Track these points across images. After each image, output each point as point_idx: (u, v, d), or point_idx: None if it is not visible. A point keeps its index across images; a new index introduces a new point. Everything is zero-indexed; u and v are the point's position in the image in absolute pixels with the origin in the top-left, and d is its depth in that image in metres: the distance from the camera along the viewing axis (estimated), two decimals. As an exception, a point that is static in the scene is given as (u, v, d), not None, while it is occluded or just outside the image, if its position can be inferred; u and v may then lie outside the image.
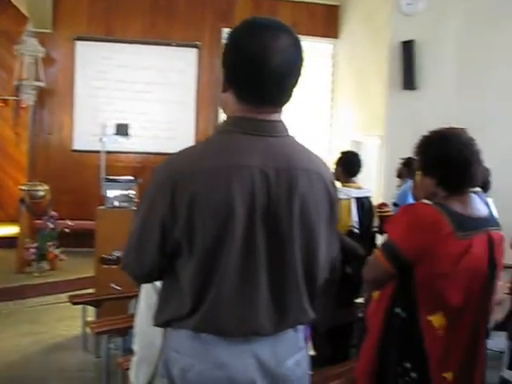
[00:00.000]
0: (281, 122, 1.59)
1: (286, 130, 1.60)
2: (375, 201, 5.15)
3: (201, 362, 1.51)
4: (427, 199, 2.25)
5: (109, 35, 9.09)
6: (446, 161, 2.19)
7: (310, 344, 3.76)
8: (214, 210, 1.44)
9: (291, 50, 1.51)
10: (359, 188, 4.19)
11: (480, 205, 2.27)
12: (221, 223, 1.45)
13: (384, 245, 2.25)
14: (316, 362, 3.75)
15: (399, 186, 5.88)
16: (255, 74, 1.48)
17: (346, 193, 4.03)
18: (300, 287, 1.58)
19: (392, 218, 2.71)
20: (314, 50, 9.55)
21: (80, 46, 9.02)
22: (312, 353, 3.89)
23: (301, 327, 1.68)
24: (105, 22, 9.09)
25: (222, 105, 1.63)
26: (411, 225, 2.15)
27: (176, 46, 9.26)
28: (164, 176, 1.49)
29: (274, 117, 1.56)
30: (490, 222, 2.27)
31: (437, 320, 2.17)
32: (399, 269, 2.17)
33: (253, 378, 1.54)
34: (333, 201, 1.64)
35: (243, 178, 1.46)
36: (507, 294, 3.64)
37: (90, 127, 8.77)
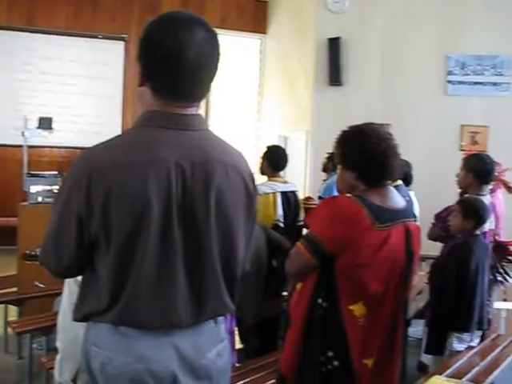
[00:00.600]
0: (198, 115, 1.60)
1: (203, 123, 1.61)
2: (302, 195, 5.25)
3: (120, 355, 1.51)
4: (348, 192, 2.32)
5: (31, 25, 8.78)
6: (364, 155, 2.26)
7: (237, 337, 3.81)
8: (129, 205, 1.44)
9: (207, 44, 1.52)
10: (285, 182, 4.25)
11: (398, 197, 2.35)
12: (136, 217, 1.45)
13: (305, 237, 2.30)
14: (244, 355, 3.80)
15: (325, 180, 5.99)
16: (170, 68, 1.49)
17: (272, 187, 4.08)
18: (218, 279, 1.60)
19: (313, 211, 2.76)
20: (243, 44, 9.59)
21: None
22: (239, 345, 3.93)
23: (221, 319, 1.70)
24: (27, 10, 8.77)
25: (139, 99, 1.62)
26: (331, 217, 2.20)
27: (102, 38, 9.07)
28: (80, 170, 1.47)
29: (190, 111, 1.57)
30: (407, 213, 2.35)
31: (357, 309, 2.23)
32: (320, 260, 2.22)
33: (173, 370, 1.54)
34: (251, 194, 1.66)
35: (159, 172, 1.47)
36: (426, 283, 3.80)
37: (12, 121, 8.47)
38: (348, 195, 2.28)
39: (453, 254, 3.42)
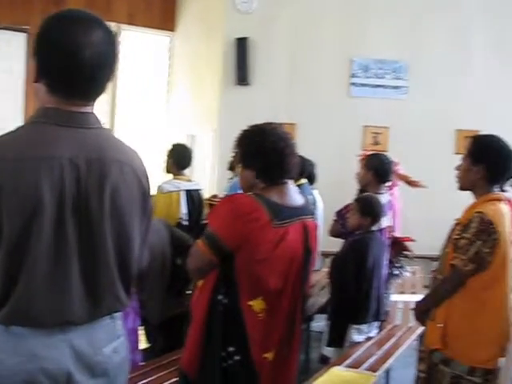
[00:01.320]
0: (92, 114, 1.60)
1: (98, 122, 1.61)
2: (210, 193, 5.27)
3: (12, 355, 1.48)
4: (248, 190, 2.37)
5: None
6: (262, 153, 2.31)
7: (142, 336, 3.78)
8: (20, 202, 1.42)
9: (103, 43, 1.52)
10: (189, 180, 4.26)
11: (296, 195, 2.43)
12: (28, 215, 1.43)
13: (205, 234, 2.33)
14: (150, 354, 3.78)
15: (231, 179, 6.05)
16: (66, 67, 1.48)
17: (176, 185, 4.08)
18: (114, 276, 1.60)
19: (213, 209, 2.81)
20: (151, 42, 9.48)
21: None
22: (146, 345, 3.91)
23: (118, 315, 1.70)
24: None
25: (34, 95, 1.60)
26: (230, 214, 2.24)
27: (2, 29, 8.69)
28: None
29: (85, 109, 1.57)
30: (305, 211, 2.43)
31: (257, 304, 2.28)
32: (220, 257, 2.26)
33: (68, 368, 1.53)
34: (145, 192, 1.68)
35: (52, 169, 1.45)
36: (328, 279, 3.93)
37: None
38: (248, 193, 2.34)
39: (351, 250, 3.56)
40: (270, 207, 2.25)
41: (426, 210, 7.11)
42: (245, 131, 2.44)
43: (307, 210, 2.47)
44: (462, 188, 2.80)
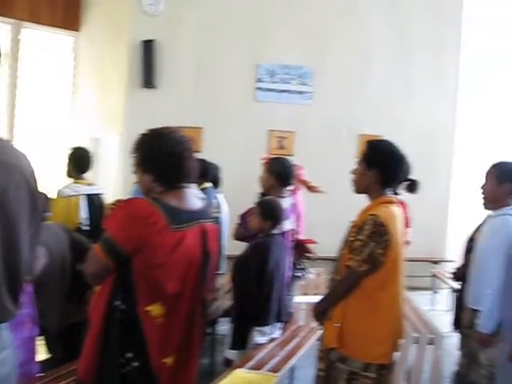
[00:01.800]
0: None
1: None
2: (115, 197, 5.16)
3: None
4: (147, 194, 2.35)
5: None
6: (159, 157, 2.30)
7: (42, 346, 3.64)
8: None
9: None
10: (90, 185, 4.16)
11: (194, 199, 2.43)
12: None
13: (102, 239, 2.28)
14: (50, 364, 3.64)
15: (136, 183, 5.97)
16: None
17: (75, 189, 3.98)
18: None
19: (110, 213, 2.76)
20: (55, 41, 9.18)
21: None
22: (44, 355, 3.76)
23: (4, 325, 1.63)
24: None
25: None
26: (127, 218, 2.21)
27: None
28: None
29: None
30: (203, 214, 2.43)
31: (155, 309, 2.26)
32: (117, 262, 2.22)
33: None
34: (34, 194, 1.64)
35: None
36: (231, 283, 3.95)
37: None
38: (146, 197, 2.31)
39: (252, 253, 3.60)
40: (168, 211, 2.24)
41: (329, 213, 7.32)
42: (143, 135, 2.42)
43: (206, 214, 2.48)
44: (358, 191, 2.90)
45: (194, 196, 2.44)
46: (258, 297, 3.53)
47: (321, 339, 2.97)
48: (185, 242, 2.27)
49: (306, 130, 8.01)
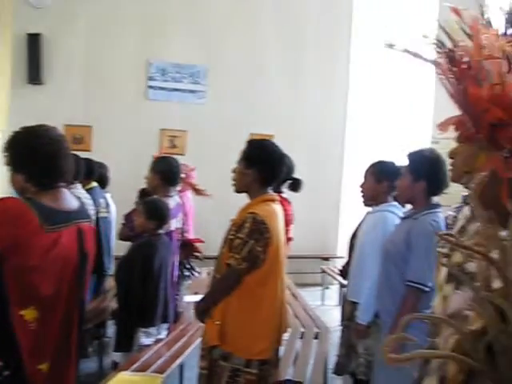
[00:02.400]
0: None
1: None
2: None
3: None
4: (21, 194, 2.26)
5: None
6: (32, 157, 2.22)
7: None
8: None
9: None
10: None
11: (71, 198, 2.36)
12: None
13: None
14: None
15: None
16: None
17: None
18: None
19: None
20: None
21: None
22: None
23: None
24: None
25: None
26: (-3, 219, 2.12)
27: None
28: None
29: None
30: (80, 214, 2.38)
31: (29, 314, 2.17)
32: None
33: None
34: None
35: None
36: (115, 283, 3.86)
37: None
38: (18, 197, 2.22)
39: (136, 253, 3.55)
40: (41, 211, 2.16)
41: (222, 212, 7.33)
42: (15, 133, 2.32)
43: (83, 214, 2.42)
44: (238, 190, 2.94)
45: (70, 196, 2.37)
46: (142, 297, 3.49)
47: (202, 337, 2.98)
48: (60, 243, 2.20)
49: (198, 129, 8.01)
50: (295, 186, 4.03)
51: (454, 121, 2.06)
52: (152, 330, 3.64)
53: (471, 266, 1.85)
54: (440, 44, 1.15)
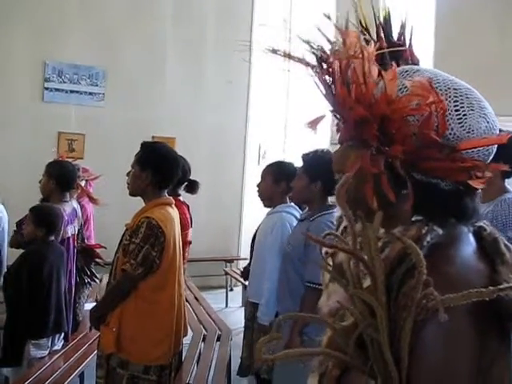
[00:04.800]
0: None
1: None
2: None
3: None
4: None
5: None
6: None
7: None
8: None
9: None
10: None
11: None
12: None
13: None
14: None
15: None
16: None
17: None
18: None
19: None
20: None
21: None
22: None
23: None
24: None
25: None
26: None
27: None
28: None
29: None
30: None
31: None
32: None
33: None
34: None
35: None
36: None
37: None
38: None
39: (24, 262, 3.38)
40: None
41: (122, 217, 7.18)
42: None
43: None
44: (133, 194, 2.89)
45: None
46: (30, 307, 3.31)
47: (98, 345, 2.90)
48: None
49: (97, 132, 7.78)
50: (192, 187, 3.99)
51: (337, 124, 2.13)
52: (43, 341, 3.45)
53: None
54: (315, 46, 1.18)
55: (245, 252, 8.51)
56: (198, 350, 4.06)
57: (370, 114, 0.99)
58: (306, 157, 3.20)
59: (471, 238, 1.06)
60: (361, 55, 1.01)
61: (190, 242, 3.98)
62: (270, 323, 3.35)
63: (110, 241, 4.84)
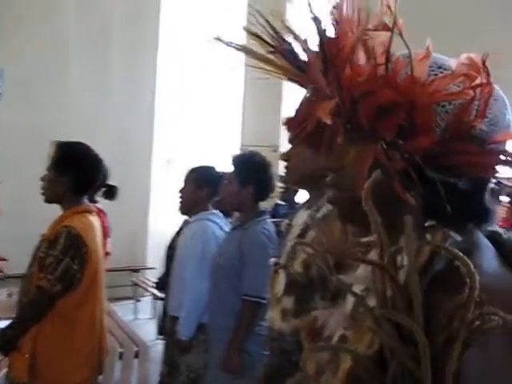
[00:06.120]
0: None
1: None
2: None
3: None
4: None
5: None
6: None
7: None
8: None
9: None
10: None
11: None
12: None
13: None
14: None
15: None
16: None
17: None
18: None
19: None
20: None
21: None
22: None
23: None
24: None
25: None
26: None
27: None
28: None
29: None
30: None
31: None
32: None
33: None
34: None
35: None
36: None
37: None
38: None
39: None
40: None
41: (19, 225, 6.69)
42: None
43: None
44: (48, 200, 2.58)
45: None
46: None
47: (7, 374, 2.54)
48: None
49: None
50: (111, 193, 3.68)
51: (286, 121, 1.98)
52: None
53: (315, 274, 1.76)
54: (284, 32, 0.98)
55: (152, 261, 8.22)
56: (115, 370, 3.77)
57: (401, 97, 0.83)
58: (236, 160, 3.03)
59: (490, 245, 0.93)
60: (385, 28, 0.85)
61: (109, 253, 3.69)
62: (190, 339, 3.15)
63: (9, 252, 4.47)
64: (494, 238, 0.94)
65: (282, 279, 1.79)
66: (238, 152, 3.92)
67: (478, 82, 0.80)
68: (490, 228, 0.96)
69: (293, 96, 8.32)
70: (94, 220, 2.61)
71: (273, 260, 1.91)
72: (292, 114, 2.07)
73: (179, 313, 3.24)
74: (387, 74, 0.84)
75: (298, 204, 2.70)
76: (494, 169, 0.85)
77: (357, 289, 0.97)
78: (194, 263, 3.20)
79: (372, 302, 0.90)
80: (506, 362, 0.78)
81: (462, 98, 0.81)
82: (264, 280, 2.71)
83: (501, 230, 0.97)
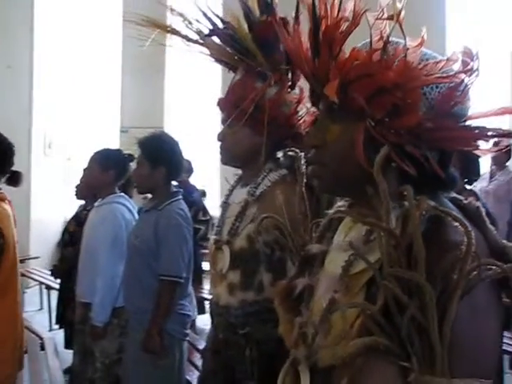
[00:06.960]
0: None
1: None
2: None
3: None
4: None
5: None
6: None
7: None
8: None
9: None
10: None
11: None
12: None
13: None
14: None
15: None
16: None
17: None
18: None
19: None
20: None
21: None
22: None
23: None
24: None
25: None
26: None
27: None
28: None
29: None
30: None
31: None
32: None
33: None
34: None
35: None
36: None
37: None
38: None
39: None
40: None
41: None
42: None
43: None
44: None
45: None
46: None
47: None
48: None
49: None
50: (15, 179, 3.48)
51: (218, 102, 2.02)
52: None
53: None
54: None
55: (35, 250, 7.85)
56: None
57: (403, 80, 0.92)
58: (144, 142, 2.99)
59: (456, 209, 1.06)
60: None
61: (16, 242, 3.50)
62: (105, 324, 3.12)
63: None
64: (456, 203, 1.07)
65: (226, 255, 1.84)
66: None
67: (469, 67, 0.92)
68: (451, 195, 1.09)
69: (175, 72, 8.27)
70: (8, 208, 2.51)
71: (212, 238, 1.95)
72: (222, 95, 2.12)
73: (91, 299, 3.17)
74: (384, 59, 0.93)
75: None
76: (475, 142, 0.97)
77: (345, 255, 1.06)
78: (106, 248, 3.15)
79: (362, 265, 1.01)
80: (486, 309, 0.91)
81: (454, 81, 0.92)
82: (181, 260, 2.76)
83: (460, 197, 1.10)
